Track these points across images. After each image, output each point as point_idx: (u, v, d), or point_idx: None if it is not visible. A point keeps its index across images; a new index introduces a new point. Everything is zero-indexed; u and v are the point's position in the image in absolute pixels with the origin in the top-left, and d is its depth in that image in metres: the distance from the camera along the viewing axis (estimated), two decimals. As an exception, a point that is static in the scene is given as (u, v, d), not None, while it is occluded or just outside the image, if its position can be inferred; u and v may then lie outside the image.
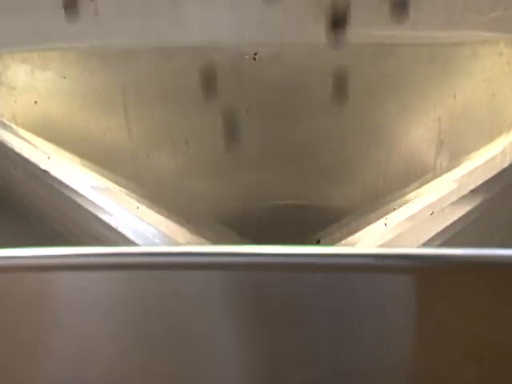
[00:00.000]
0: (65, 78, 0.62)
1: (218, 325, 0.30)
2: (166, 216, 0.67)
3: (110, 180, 0.66)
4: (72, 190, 0.65)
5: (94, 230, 0.66)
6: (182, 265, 0.30)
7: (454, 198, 0.66)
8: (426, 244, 0.65)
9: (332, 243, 0.68)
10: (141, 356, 0.31)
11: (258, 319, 0.30)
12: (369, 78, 0.63)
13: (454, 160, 0.66)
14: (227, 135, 0.65)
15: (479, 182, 0.65)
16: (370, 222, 0.67)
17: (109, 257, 0.31)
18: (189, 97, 0.64)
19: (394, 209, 0.67)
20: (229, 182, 0.68)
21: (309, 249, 0.30)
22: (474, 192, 0.65)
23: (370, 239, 0.67)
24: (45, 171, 0.65)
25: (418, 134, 0.65)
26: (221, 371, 0.31)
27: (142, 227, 0.66)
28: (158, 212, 0.67)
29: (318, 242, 0.68)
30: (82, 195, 0.65)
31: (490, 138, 0.65)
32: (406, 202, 0.67)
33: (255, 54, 0.61)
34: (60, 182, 0.65)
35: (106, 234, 0.66)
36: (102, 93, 0.63)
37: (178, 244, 0.66)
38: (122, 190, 0.66)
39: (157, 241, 0.66)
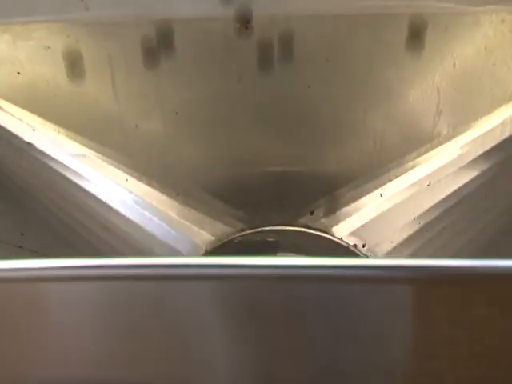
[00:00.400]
0: (49, 47, 0.59)
1: (209, 333, 0.29)
2: (155, 188, 0.65)
3: (97, 152, 0.64)
4: (58, 162, 0.63)
5: (83, 203, 0.64)
6: (173, 276, 0.29)
7: (453, 169, 0.64)
8: (423, 215, 0.64)
9: (326, 214, 0.67)
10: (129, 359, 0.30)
11: (249, 328, 0.29)
12: (366, 46, 0.60)
13: (453, 130, 0.64)
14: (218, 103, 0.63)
15: (479, 153, 0.64)
16: (365, 193, 0.66)
17: (99, 269, 0.30)
18: (178, 65, 0.61)
19: (390, 179, 0.65)
20: (220, 151, 0.67)
21: (303, 260, 0.29)
22: (473, 163, 0.64)
23: (365, 210, 0.66)
24: (29, 144, 0.62)
25: (417, 102, 0.63)
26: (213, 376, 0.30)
27: (132, 200, 0.64)
28: (147, 184, 0.65)
29: (311, 214, 0.67)
30: (68, 168, 0.63)
31: (491, 108, 0.63)
32: (403, 173, 0.65)
33: (248, 22, 0.58)
34: (46, 155, 0.63)
35: (95, 207, 0.64)
36: (87, 62, 0.60)
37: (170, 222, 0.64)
38: (111, 161, 0.64)
39: (146, 213, 0.65)
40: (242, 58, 0.61)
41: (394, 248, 0.64)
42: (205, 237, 0.65)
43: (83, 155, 0.63)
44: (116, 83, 0.61)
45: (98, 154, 0.64)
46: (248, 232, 0.67)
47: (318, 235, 0.66)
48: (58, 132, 0.63)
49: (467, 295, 0.28)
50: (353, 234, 0.65)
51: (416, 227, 0.64)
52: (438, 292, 0.28)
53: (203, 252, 0.65)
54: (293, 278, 0.29)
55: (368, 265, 0.29)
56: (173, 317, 0.29)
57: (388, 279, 0.28)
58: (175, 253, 0.65)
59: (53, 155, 0.63)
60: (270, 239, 0.67)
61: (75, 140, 0.63)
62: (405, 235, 0.64)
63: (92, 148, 0.63)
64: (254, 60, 0.61)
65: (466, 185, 0.64)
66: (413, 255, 0.64)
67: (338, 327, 0.29)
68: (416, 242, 0.64)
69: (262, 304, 0.29)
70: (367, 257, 0.64)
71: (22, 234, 0.65)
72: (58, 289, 0.30)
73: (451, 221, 0.64)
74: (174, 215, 0.65)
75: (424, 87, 0.63)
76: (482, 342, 0.28)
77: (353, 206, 0.66)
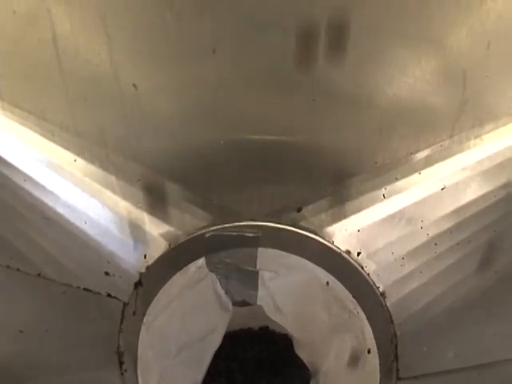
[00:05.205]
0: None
1: None
2: (110, 172, 0.54)
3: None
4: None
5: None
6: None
7: (473, 173, 0.53)
8: (433, 224, 0.53)
9: (316, 213, 0.56)
10: None
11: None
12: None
13: (479, 127, 0.52)
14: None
15: (507, 156, 0.52)
16: (365, 192, 0.55)
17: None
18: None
19: (397, 178, 0.54)
20: (189, 112, 0.53)
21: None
22: (498, 167, 0.52)
23: (364, 212, 0.55)
24: None
25: (437, 87, 0.51)
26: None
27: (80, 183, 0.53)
28: (100, 167, 0.54)
29: (299, 211, 0.56)
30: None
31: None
32: (412, 172, 0.54)
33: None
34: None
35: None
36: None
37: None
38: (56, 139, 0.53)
39: (95, 201, 0.53)
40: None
41: (395, 260, 0.54)
42: (168, 230, 0.55)
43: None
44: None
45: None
46: (221, 226, 0.56)
47: (305, 235, 0.56)
48: None
49: None
50: (347, 238, 0.55)
51: (423, 238, 0.54)
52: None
53: (167, 248, 0.55)
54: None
55: None
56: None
57: None
58: (133, 250, 0.54)
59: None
60: (248, 234, 0.57)
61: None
62: (409, 247, 0.54)
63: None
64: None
65: (488, 193, 0.53)
66: (416, 271, 0.53)
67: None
68: (422, 257, 0.54)
69: None
70: (361, 267, 0.54)
71: None
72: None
73: (466, 236, 0.53)
74: (131, 205, 0.54)
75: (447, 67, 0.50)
76: None
77: (350, 205, 0.56)
